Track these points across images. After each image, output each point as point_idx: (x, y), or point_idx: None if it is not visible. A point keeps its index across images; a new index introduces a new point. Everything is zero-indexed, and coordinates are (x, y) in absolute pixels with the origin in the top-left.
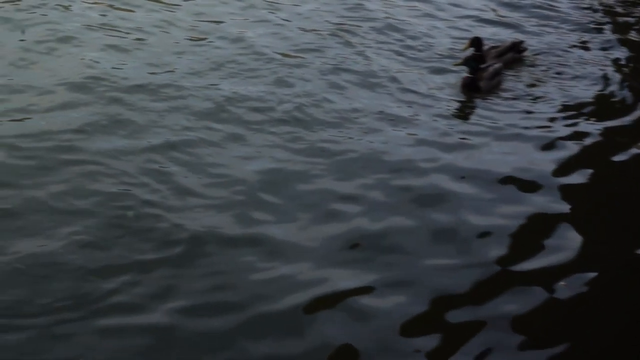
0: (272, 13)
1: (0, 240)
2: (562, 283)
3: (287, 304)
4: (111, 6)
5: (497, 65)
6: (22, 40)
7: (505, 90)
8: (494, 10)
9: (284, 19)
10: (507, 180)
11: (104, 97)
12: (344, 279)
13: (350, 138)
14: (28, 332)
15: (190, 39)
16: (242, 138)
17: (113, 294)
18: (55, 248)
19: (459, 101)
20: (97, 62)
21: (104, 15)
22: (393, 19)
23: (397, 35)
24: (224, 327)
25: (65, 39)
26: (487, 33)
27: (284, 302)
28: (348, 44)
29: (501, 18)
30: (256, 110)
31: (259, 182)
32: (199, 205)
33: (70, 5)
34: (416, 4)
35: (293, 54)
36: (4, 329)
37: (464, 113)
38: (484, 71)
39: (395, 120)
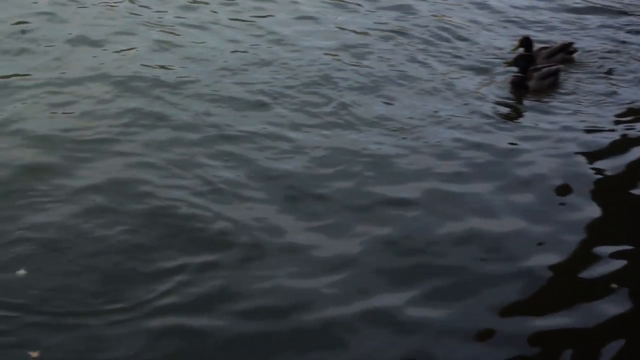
0: (322, 15)
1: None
2: (613, 285)
3: (331, 313)
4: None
5: (554, 67)
6: (69, 33)
7: (558, 92)
8: (541, 10)
9: (336, 20)
10: (559, 186)
11: (150, 93)
12: (390, 289)
13: (401, 139)
14: (79, 332)
15: (240, 37)
16: (289, 138)
17: (164, 295)
18: (107, 248)
19: (509, 103)
20: (147, 57)
21: (162, 12)
22: (440, 20)
23: (445, 35)
24: (270, 333)
25: (117, 34)
26: (535, 33)
27: (329, 311)
28: (396, 45)
29: (551, 18)
30: (303, 110)
31: (308, 184)
32: (247, 206)
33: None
34: (463, 4)
35: (341, 54)
36: (56, 329)
37: (516, 115)
38: (537, 71)
39: (445, 123)
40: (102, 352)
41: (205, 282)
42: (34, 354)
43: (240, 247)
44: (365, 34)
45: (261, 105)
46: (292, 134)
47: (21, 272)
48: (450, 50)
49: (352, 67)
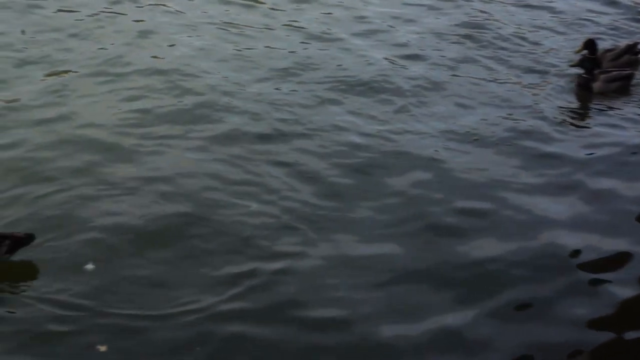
0: (385, 19)
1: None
2: None
3: (398, 329)
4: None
5: (626, 72)
6: (137, 31)
7: (627, 96)
8: (603, 13)
9: (398, 24)
10: (633, 199)
11: (214, 90)
12: (457, 306)
13: (467, 145)
14: (145, 329)
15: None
16: (355, 144)
17: (231, 300)
18: (177, 249)
19: (576, 107)
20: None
21: (227, 11)
22: (503, 23)
23: (510, 38)
24: (333, 346)
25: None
26: (599, 35)
27: (392, 326)
28: (461, 49)
29: (612, 21)
30: (369, 113)
31: (373, 191)
32: (323, 215)
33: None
34: (525, 7)
35: (405, 59)
36: (123, 325)
37: (584, 121)
38: (604, 73)
39: (512, 129)
40: (167, 350)
41: (272, 290)
42: (102, 348)
43: (309, 256)
44: (430, 36)
45: (324, 106)
46: (357, 139)
47: (89, 266)
48: (515, 53)
49: (414, 72)
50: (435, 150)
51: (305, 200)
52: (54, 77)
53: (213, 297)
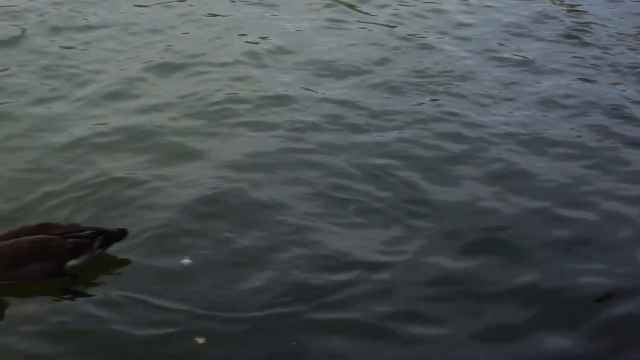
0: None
1: (209, 233)
2: None
3: (491, 349)
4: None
5: None
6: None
7: None
8: None
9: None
10: None
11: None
12: (552, 326)
13: (542, 151)
14: (244, 325)
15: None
16: (453, 153)
17: (331, 291)
18: (277, 241)
19: None
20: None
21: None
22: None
23: (617, 42)
24: (425, 340)
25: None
26: None
27: (487, 346)
28: (535, 47)
29: None
30: (466, 126)
31: (472, 204)
32: (424, 211)
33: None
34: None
35: (499, 64)
36: (221, 318)
37: None
38: None
39: (594, 134)
40: (262, 354)
41: (369, 300)
42: (200, 340)
43: (404, 268)
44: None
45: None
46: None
47: (186, 260)
48: (619, 55)
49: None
50: (531, 156)
51: (404, 208)
52: None
53: (310, 303)
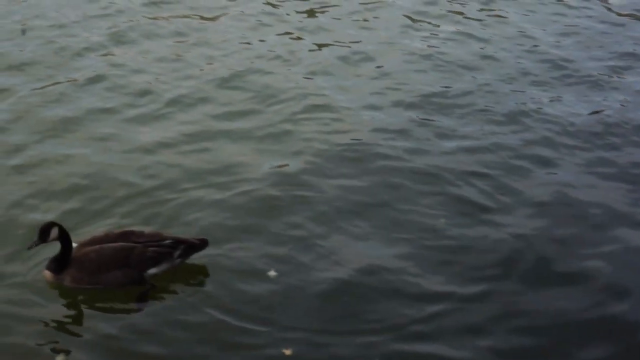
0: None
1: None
2: None
3: None
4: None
5: None
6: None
7: None
8: None
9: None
10: None
11: (403, 102)
12: None
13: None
14: (330, 340)
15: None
16: (549, 160)
17: (422, 321)
18: (367, 266)
19: None
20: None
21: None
22: None
23: None
24: None
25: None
26: None
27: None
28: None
29: None
30: (563, 130)
31: (574, 208)
32: (521, 231)
33: None
34: None
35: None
36: (306, 330)
37: None
38: None
39: None
40: None
41: (467, 313)
42: (287, 352)
43: (511, 278)
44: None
45: (518, 120)
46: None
47: (272, 273)
48: None
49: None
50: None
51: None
52: None
53: (401, 317)
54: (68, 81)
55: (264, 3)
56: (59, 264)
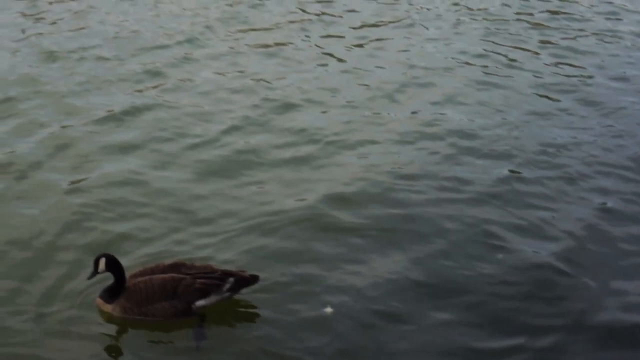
0: None
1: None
2: None
3: None
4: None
5: None
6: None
7: None
8: None
9: None
10: None
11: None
12: None
13: None
14: None
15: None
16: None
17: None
18: (435, 306)
19: None
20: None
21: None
22: None
23: None
24: None
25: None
26: None
27: None
28: None
29: None
30: None
31: None
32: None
33: None
34: None
35: None
36: None
37: None
38: None
39: None
40: None
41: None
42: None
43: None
44: None
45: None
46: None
47: (328, 309)
48: None
49: None
50: None
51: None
52: None
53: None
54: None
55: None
56: (111, 293)
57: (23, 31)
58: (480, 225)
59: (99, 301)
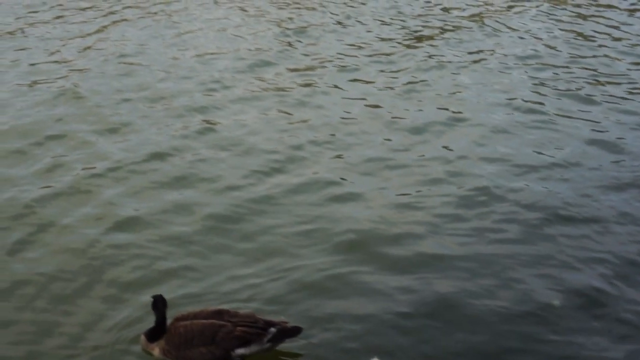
0: None
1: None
2: None
3: None
4: None
5: None
6: None
7: None
8: None
9: None
10: None
11: None
12: None
13: None
14: None
15: None
16: None
17: None
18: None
19: None
20: None
21: None
22: None
23: None
24: None
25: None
26: None
27: None
28: None
29: None
30: None
31: None
32: None
33: None
34: None
35: None
36: None
37: None
38: None
39: None
40: None
41: None
42: None
43: None
44: None
45: None
46: None
47: None
48: None
49: None
50: None
51: None
52: None
53: None
54: None
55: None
56: (153, 333)
57: None
58: None
59: (143, 338)
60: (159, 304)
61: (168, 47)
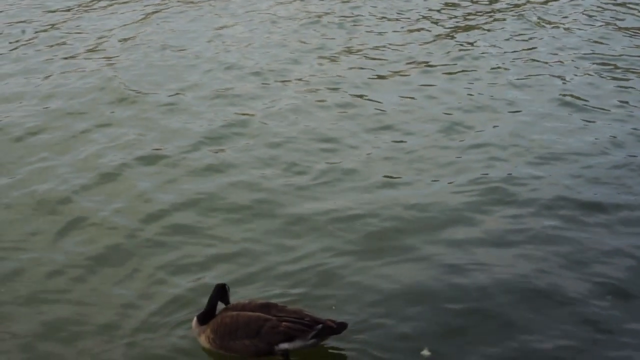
0: None
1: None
2: None
3: None
4: None
5: None
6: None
7: None
8: None
9: None
10: None
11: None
12: None
13: None
14: None
15: None
16: None
17: None
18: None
19: None
20: None
21: None
22: None
23: None
24: None
25: None
26: None
27: None
28: None
29: None
30: None
31: None
32: None
33: None
34: None
35: None
36: None
37: None
38: None
39: None
40: None
41: None
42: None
43: None
44: None
45: None
46: None
47: (425, 352)
48: None
49: None
50: None
51: None
52: None
53: None
54: None
55: None
56: (205, 317)
57: None
58: None
59: (195, 320)
60: (220, 293)
61: (212, 38)
